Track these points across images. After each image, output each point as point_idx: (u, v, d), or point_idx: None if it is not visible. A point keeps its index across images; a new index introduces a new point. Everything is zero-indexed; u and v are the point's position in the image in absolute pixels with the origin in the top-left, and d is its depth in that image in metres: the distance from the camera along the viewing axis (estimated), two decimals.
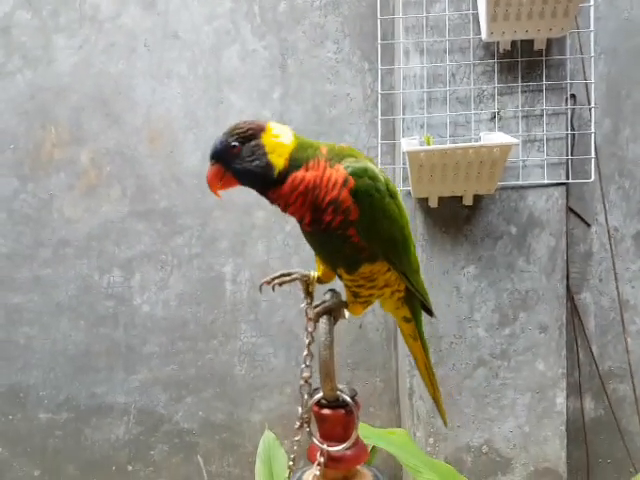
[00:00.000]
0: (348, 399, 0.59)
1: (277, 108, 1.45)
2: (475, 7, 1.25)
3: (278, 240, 1.48)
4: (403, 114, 1.29)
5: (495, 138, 1.22)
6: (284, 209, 0.61)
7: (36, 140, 1.48)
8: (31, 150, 1.49)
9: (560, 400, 1.30)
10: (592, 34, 1.26)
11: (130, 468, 1.52)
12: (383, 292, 0.65)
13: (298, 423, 0.61)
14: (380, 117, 1.33)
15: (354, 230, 0.58)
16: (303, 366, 0.62)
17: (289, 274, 0.66)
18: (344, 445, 0.58)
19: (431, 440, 1.33)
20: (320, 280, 0.69)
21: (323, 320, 0.62)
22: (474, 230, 1.30)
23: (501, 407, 1.32)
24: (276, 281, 0.66)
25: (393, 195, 0.61)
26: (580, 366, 1.43)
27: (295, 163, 0.59)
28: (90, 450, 1.52)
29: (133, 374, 1.51)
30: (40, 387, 1.51)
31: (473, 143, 1.24)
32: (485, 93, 1.28)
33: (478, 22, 1.25)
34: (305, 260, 1.46)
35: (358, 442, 0.60)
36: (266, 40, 1.44)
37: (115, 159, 1.48)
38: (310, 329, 0.63)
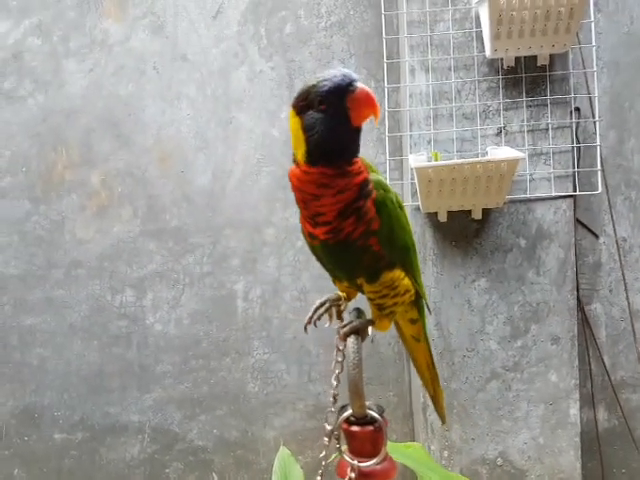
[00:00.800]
0: (377, 416, 0.60)
1: (285, 128, 1.47)
2: (478, 25, 1.28)
3: (289, 256, 1.50)
4: (410, 131, 1.31)
5: (502, 152, 1.24)
6: (322, 194, 0.58)
7: (48, 162, 1.50)
8: (43, 172, 1.51)
9: (574, 411, 1.31)
10: (594, 49, 1.28)
11: None
12: (404, 299, 0.67)
13: (327, 439, 0.63)
14: (387, 134, 1.35)
15: (375, 239, 0.60)
16: (334, 383, 0.64)
17: (322, 304, 0.68)
18: (374, 461, 0.59)
19: (446, 453, 1.34)
20: (347, 298, 0.71)
21: (351, 339, 0.63)
22: (484, 243, 1.32)
23: (515, 419, 1.32)
24: (314, 317, 0.67)
25: (400, 206, 0.65)
26: (592, 377, 1.43)
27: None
28: (106, 470, 1.52)
29: (147, 393, 1.51)
30: (54, 407, 1.52)
31: (481, 158, 1.26)
32: (490, 109, 1.30)
33: (482, 40, 1.27)
34: (315, 276, 1.47)
35: (387, 458, 0.62)
36: (273, 61, 1.46)
37: (126, 180, 1.50)
38: (341, 347, 0.64)
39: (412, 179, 1.27)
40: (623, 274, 1.41)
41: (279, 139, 1.48)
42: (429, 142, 1.31)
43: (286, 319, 1.50)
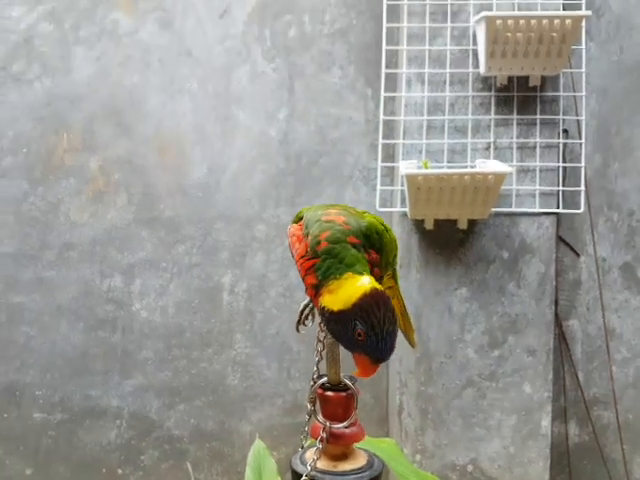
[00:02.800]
0: (349, 383, 0.66)
1: (282, 128, 1.51)
2: (475, 43, 1.33)
3: (277, 253, 1.53)
4: (403, 139, 1.35)
5: (490, 166, 1.28)
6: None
7: (49, 145, 1.54)
8: (43, 155, 1.54)
9: (545, 423, 1.34)
10: (584, 74, 1.33)
11: (120, 472, 1.53)
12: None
13: (308, 416, 0.68)
14: (381, 141, 1.38)
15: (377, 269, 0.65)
16: (315, 369, 0.69)
17: (306, 306, 0.70)
18: (344, 423, 0.64)
19: (418, 457, 1.36)
20: None
21: None
22: (467, 253, 1.35)
23: (487, 427, 1.35)
24: (302, 319, 0.71)
25: (388, 230, 0.68)
26: (566, 391, 1.46)
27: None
28: (82, 451, 1.53)
29: (128, 379, 1.53)
30: (36, 387, 1.53)
31: (469, 169, 1.30)
32: (482, 124, 1.35)
33: (477, 57, 1.32)
34: None
35: (356, 423, 0.66)
36: (275, 63, 1.50)
37: (124, 167, 1.53)
38: (321, 338, 0.68)
39: (402, 186, 1.31)
40: (601, 293, 1.44)
41: (275, 138, 1.51)
42: (420, 152, 1.35)
43: (270, 314, 1.53)
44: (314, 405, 0.67)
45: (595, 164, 1.45)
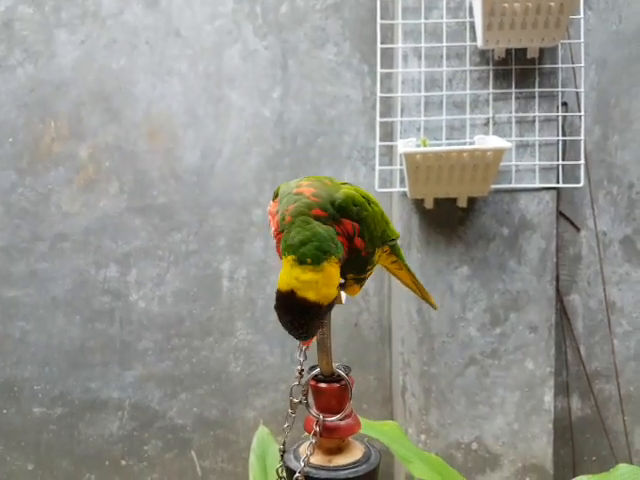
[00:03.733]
0: (343, 374, 0.63)
1: (277, 107, 1.47)
2: (472, 15, 1.29)
3: None
4: (401, 117, 1.32)
5: (489, 142, 1.26)
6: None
7: (35, 134, 1.49)
8: (30, 143, 1.49)
9: (548, 398, 1.34)
10: (582, 45, 1.31)
11: (124, 463, 1.52)
12: (379, 262, 0.70)
13: (291, 410, 0.66)
14: (378, 119, 1.35)
15: (364, 251, 0.62)
16: (301, 359, 0.66)
17: None
18: (338, 416, 0.61)
19: (422, 437, 1.36)
20: None
21: None
22: (468, 231, 1.34)
23: (491, 405, 1.35)
24: None
25: (371, 202, 0.65)
26: (568, 366, 1.47)
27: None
28: (84, 445, 1.52)
29: (128, 370, 1.51)
30: (34, 381, 1.51)
31: (467, 146, 1.28)
32: (480, 98, 1.32)
33: (474, 30, 1.29)
34: None
35: (351, 414, 0.64)
36: (267, 40, 1.46)
37: (114, 154, 1.49)
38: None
39: (401, 165, 1.28)
40: (601, 267, 1.44)
41: (270, 119, 1.48)
42: (419, 129, 1.32)
43: (271, 300, 1.50)
44: (306, 396, 0.64)
45: (595, 137, 1.44)
